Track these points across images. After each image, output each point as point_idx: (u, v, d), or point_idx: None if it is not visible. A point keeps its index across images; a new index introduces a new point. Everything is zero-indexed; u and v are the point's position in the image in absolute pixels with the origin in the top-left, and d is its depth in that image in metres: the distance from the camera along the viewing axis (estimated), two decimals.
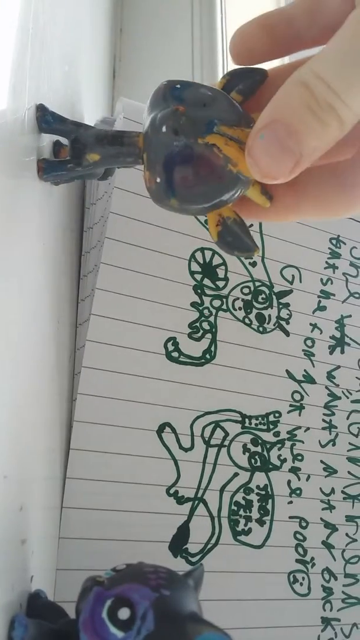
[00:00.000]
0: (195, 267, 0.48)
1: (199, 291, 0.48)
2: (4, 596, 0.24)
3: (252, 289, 0.51)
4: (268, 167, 0.22)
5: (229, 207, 0.26)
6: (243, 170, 0.23)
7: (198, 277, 0.48)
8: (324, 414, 0.54)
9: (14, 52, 0.25)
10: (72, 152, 0.28)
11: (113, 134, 0.27)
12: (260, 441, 0.50)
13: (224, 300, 0.50)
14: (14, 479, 0.26)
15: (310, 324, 0.54)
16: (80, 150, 0.28)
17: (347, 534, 0.53)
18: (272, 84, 0.26)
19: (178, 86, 0.25)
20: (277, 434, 0.51)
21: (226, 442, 0.48)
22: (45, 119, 0.29)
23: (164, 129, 0.24)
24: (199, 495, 0.46)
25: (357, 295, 0.58)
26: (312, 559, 0.51)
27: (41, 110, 0.29)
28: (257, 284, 0.52)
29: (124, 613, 0.24)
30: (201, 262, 0.49)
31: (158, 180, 0.25)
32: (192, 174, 0.24)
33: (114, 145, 0.27)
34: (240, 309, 0.50)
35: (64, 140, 0.32)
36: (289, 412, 0.52)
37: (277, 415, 0.51)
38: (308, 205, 0.26)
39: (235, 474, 0.48)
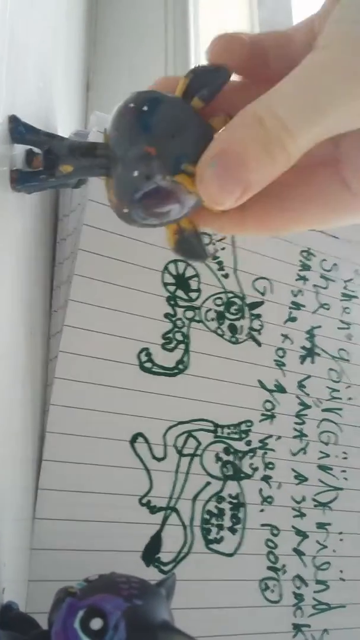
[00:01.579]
0: (168, 278, 0.49)
1: (172, 302, 0.49)
2: None
3: (224, 300, 0.52)
4: (216, 195, 0.23)
5: (187, 218, 0.28)
6: (206, 205, 0.25)
7: (171, 288, 0.49)
8: (295, 423, 0.55)
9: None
10: (45, 163, 0.29)
11: (86, 145, 0.28)
12: (232, 450, 0.50)
13: (197, 311, 0.50)
14: None
15: (282, 335, 0.55)
16: (53, 162, 0.28)
17: (317, 541, 0.54)
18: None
19: (145, 109, 0.25)
20: (248, 443, 0.51)
21: (199, 452, 0.48)
22: (18, 129, 0.29)
23: (135, 173, 0.25)
24: (172, 504, 0.46)
25: (326, 307, 0.59)
26: (284, 566, 0.51)
27: (13, 121, 0.29)
28: (230, 295, 0.52)
29: (96, 623, 0.25)
30: (174, 273, 0.49)
31: (125, 210, 0.26)
32: (158, 205, 0.26)
33: (86, 157, 0.27)
34: (213, 319, 0.51)
35: (37, 149, 0.32)
36: (260, 421, 0.52)
37: (248, 424, 0.52)
38: (251, 221, 0.28)
39: (208, 483, 0.48)
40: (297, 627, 0.51)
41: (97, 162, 0.27)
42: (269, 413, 0.53)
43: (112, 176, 0.27)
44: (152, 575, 0.43)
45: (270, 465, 0.52)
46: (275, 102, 0.22)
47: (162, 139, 0.25)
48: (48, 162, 0.28)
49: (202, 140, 0.25)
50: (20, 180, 0.29)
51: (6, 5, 0.29)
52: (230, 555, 0.48)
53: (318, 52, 0.22)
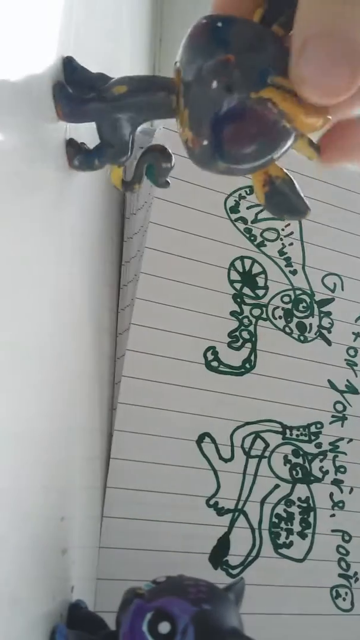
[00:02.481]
0: (234, 275, 0.48)
1: (238, 300, 0.48)
2: (45, 606, 0.24)
3: (292, 297, 0.51)
4: (328, 86, 0.19)
5: (276, 165, 0.23)
6: (299, 125, 0.21)
7: (238, 285, 0.48)
8: None
9: (55, 64, 0.25)
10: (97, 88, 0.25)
11: (141, 76, 0.24)
12: (301, 452, 0.49)
13: (264, 309, 0.49)
14: (54, 489, 0.26)
15: (353, 333, 0.53)
16: (106, 87, 0.25)
17: None
18: None
19: (220, 25, 0.21)
20: (318, 445, 0.50)
21: (267, 453, 0.47)
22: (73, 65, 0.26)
23: (214, 84, 0.21)
24: (239, 506, 0.45)
25: None
26: (356, 573, 0.49)
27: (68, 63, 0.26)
28: (298, 292, 0.51)
29: (164, 627, 0.24)
30: (241, 270, 0.48)
31: (205, 142, 0.22)
32: (244, 134, 0.22)
33: (144, 82, 0.24)
34: (280, 317, 0.50)
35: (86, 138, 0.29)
36: (331, 422, 0.51)
37: (318, 426, 0.50)
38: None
39: (276, 486, 0.47)
40: None
41: (157, 84, 0.23)
42: (340, 415, 0.51)
43: (183, 108, 0.22)
44: (219, 578, 0.43)
45: (342, 469, 0.50)
46: None
47: (242, 50, 0.21)
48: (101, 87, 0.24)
49: (287, 55, 0.20)
50: (64, 102, 0.25)
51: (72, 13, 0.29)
52: (300, 560, 0.47)
53: None
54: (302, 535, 0.47)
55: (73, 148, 0.27)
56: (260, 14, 0.22)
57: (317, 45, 0.18)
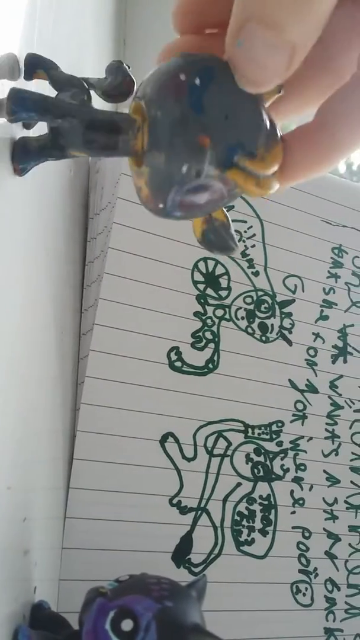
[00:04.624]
0: (198, 276, 0.48)
1: (202, 301, 0.48)
2: (7, 607, 0.24)
3: (254, 298, 0.51)
4: (260, 74, 0.19)
5: (221, 209, 0.24)
6: (251, 195, 0.22)
7: (201, 286, 0.48)
8: (327, 424, 0.54)
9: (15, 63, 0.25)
10: (52, 142, 0.24)
11: (107, 123, 0.22)
12: (263, 451, 0.50)
13: (227, 309, 0.50)
14: (18, 490, 0.26)
15: (313, 333, 0.54)
16: (61, 144, 0.24)
17: (350, 544, 0.53)
18: None
19: (198, 82, 0.20)
20: (280, 444, 0.51)
21: (229, 452, 0.48)
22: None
23: (184, 169, 0.21)
24: (202, 505, 0.46)
25: (359, 305, 0.58)
26: (315, 569, 0.51)
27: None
28: (260, 293, 0.52)
29: (127, 624, 0.24)
30: (204, 271, 0.49)
31: (160, 206, 0.22)
32: (200, 202, 0.22)
33: (108, 137, 0.22)
34: (242, 318, 0.50)
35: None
36: (291, 421, 0.52)
37: (279, 424, 0.51)
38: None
39: (238, 484, 0.48)
40: (329, 632, 0.50)
41: (122, 147, 0.22)
42: (300, 413, 0.52)
43: (145, 162, 0.22)
44: (182, 576, 0.43)
45: (302, 467, 0.52)
46: None
47: (218, 122, 0.20)
48: (55, 142, 0.23)
49: (259, 124, 0.20)
50: (21, 159, 0.25)
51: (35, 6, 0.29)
52: (262, 557, 0.48)
53: None
54: (263, 532, 0.48)
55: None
56: None
57: (252, 31, 0.18)
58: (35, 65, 0.26)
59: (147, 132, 0.21)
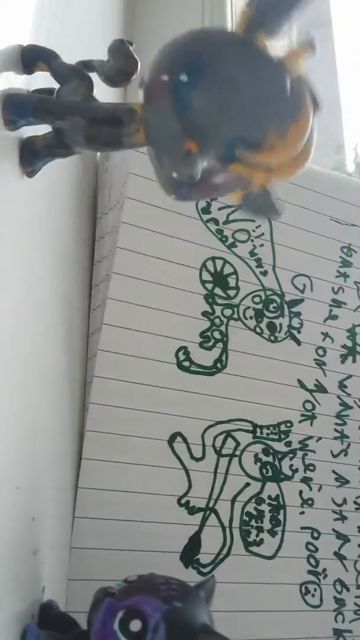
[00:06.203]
0: (206, 276, 0.48)
1: (210, 300, 0.48)
2: (16, 606, 0.24)
3: (263, 297, 0.51)
4: None
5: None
6: (260, 184, 0.21)
7: (209, 286, 0.48)
8: (336, 424, 0.53)
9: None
10: (57, 140, 0.24)
11: (108, 118, 0.22)
12: (271, 451, 0.49)
13: (235, 309, 0.49)
14: (26, 490, 0.26)
15: (322, 333, 0.54)
16: (66, 143, 0.24)
17: (359, 545, 0.53)
18: None
19: (184, 79, 0.18)
20: (288, 444, 0.50)
21: (237, 452, 0.48)
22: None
23: (174, 175, 0.20)
24: (210, 505, 0.45)
25: None
26: (324, 570, 0.50)
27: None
28: (268, 292, 0.51)
29: (135, 625, 0.24)
30: (212, 271, 0.49)
31: (172, 196, 0.22)
32: (212, 190, 0.22)
33: (111, 130, 0.22)
34: (251, 318, 0.50)
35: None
36: (300, 421, 0.51)
37: (288, 425, 0.51)
38: None
39: (247, 484, 0.48)
40: (339, 633, 0.50)
41: (126, 142, 0.22)
42: (309, 413, 0.52)
43: (149, 156, 0.22)
44: (191, 577, 0.43)
45: (311, 467, 0.51)
46: None
47: (208, 123, 0.19)
48: (60, 140, 0.23)
49: (268, 97, 0.19)
50: (30, 161, 0.25)
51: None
52: (270, 558, 0.48)
53: None
54: (272, 533, 0.48)
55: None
56: (245, 17, 0.20)
57: None
58: (36, 57, 0.25)
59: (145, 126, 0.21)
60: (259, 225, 0.51)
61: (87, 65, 0.27)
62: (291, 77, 0.19)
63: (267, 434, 0.49)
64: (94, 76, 0.26)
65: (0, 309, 0.22)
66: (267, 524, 0.48)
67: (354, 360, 0.55)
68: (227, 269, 0.49)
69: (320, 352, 0.54)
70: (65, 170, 0.38)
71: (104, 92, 0.26)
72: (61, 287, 0.35)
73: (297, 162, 0.20)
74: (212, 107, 0.19)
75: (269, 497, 0.48)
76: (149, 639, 0.24)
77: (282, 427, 0.50)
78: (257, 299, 0.51)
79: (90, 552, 0.40)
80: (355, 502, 0.53)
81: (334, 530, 0.52)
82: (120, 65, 0.26)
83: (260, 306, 0.51)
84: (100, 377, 0.42)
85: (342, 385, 0.54)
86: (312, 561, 0.50)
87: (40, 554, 0.29)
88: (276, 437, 0.50)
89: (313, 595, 0.49)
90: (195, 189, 0.21)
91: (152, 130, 0.20)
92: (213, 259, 0.49)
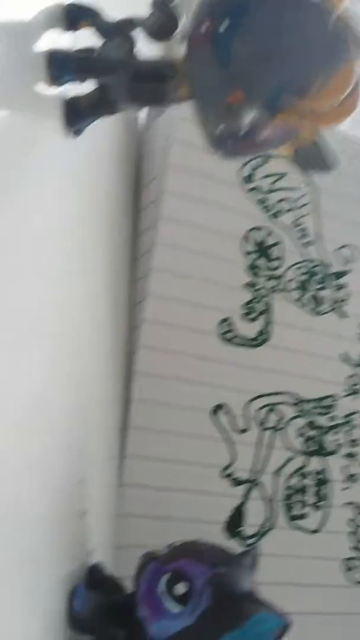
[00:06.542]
0: (249, 246, 0.47)
1: (253, 271, 0.47)
2: (66, 567, 0.24)
3: (307, 269, 0.50)
4: None
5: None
6: (310, 131, 0.20)
7: (253, 256, 0.48)
8: None
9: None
10: (100, 98, 0.24)
11: (152, 74, 0.22)
12: (315, 425, 0.49)
13: (279, 280, 0.49)
14: (73, 450, 0.26)
15: None
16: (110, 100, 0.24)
17: None
18: None
19: (225, 26, 0.18)
20: (332, 419, 0.50)
21: (281, 425, 0.47)
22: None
23: (217, 132, 0.20)
24: (254, 477, 0.45)
25: None
26: None
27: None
28: (313, 264, 0.50)
29: (180, 588, 0.24)
30: (256, 241, 0.48)
31: (218, 153, 0.22)
32: (260, 145, 0.21)
33: (154, 87, 0.22)
34: (295, 289, 0.49)
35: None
36: (344, 396, 0.50)
37: (332, 399, 0.50)
38: None
39: (291, 458, 0.47)
40: None
41: (171, 97, 0.22)
42: (354, 388, 0.51)
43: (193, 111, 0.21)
44: (234, 548, 0.43)
45: (355, 443, 0.50)
46: None
47: (252, 70, 0.18)
48: (103, 98, 0.23)
49: (312, 41, 0.18)
50: (74, 121, 0.24)
51: None
52: (314, 532, 0.47)
53: None
54: (315, 507, 0.48)
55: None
56: None
57: None
58: (79, 15, 0.25)
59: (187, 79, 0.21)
60: (304, 195, 0.50)
61: (129, 22, 0.26)
62: (334, 19, 0.18)
63: (311, 408, 0.49)
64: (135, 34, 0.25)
65: (47, 283, 0.22)
66: (311, 498, 0.47)
67: None
68: (271, 239, 0.48)
69: None
70: (108, 140, 0.37)
71: (146, 50, 0.26)
72: (106, 257, 0.35)
73: (344, 108, 0.19)
74: (255, 54, 0.18)
75: (314, 471, 0.48)
76: (194, 602, 0.24)
77: (326, 402, 0.49)
78: (301, 271, 0.50)
79: (137, 520, 0.40)
80: None
81: None
82: (163, 20, 0.25)
83: (304, 278, 0.50)
84: (145, 347, 0.42)
85: None
86: (355, 538, 0.49)
87: (89, 518, 0.29)
88: (320, 411, 0.49)
89: (356, 572, 0.49)
90: (241, 144, 0.21)
91: (196, 82, 0.20)
92: (256, 229, 0.48)
